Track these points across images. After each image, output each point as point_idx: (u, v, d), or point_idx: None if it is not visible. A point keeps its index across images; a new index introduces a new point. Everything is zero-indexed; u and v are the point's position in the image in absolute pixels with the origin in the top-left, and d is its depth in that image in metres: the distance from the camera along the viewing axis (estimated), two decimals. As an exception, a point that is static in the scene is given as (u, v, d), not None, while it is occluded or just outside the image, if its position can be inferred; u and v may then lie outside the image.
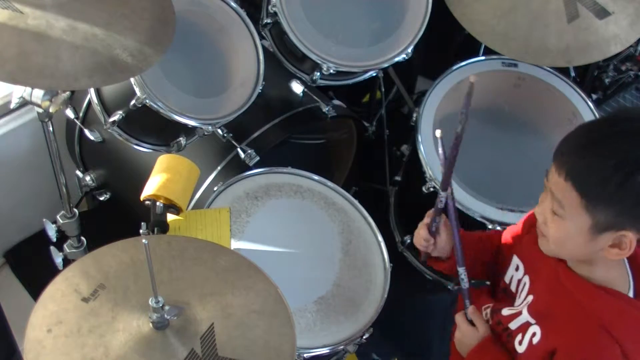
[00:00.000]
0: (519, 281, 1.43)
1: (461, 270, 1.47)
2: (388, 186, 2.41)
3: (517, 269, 1.44)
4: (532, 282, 1.40)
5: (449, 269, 1.54)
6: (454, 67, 2.06)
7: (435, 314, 1.69)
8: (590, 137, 1.19)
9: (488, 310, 1.48)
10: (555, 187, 1.21)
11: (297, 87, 1.98)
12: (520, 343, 1.36)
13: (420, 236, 1.50)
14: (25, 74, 1.27)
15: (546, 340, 1.31)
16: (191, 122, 1.70)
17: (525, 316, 1.36)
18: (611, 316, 1.24)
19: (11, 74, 1.26)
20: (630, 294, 1.27)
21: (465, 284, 1.47)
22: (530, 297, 1.38)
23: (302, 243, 1.68)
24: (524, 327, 1.36)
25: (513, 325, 1.39)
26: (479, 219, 1.86)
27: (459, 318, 1.48)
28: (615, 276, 1.27)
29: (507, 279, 1.46)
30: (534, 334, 1.34)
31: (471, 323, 1.45)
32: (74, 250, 1.86)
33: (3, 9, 1.30)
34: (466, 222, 1.88)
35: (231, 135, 1.83)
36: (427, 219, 1.49)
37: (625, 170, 1.12)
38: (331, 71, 1.91)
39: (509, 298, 1.45)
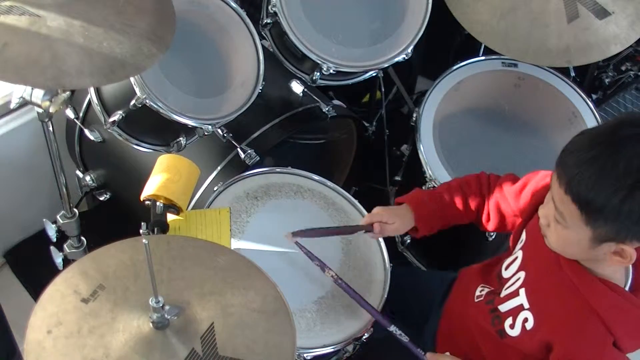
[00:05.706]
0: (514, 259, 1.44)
1: (392, 329, 1.48)
2: (388, 186, 2.41)
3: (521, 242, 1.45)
4: (526, 259, 1.40)
5: (424, 233, 1.60)
6: (454, 67, 2.06)
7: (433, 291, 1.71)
8: (590, 152, 1.14)
9: (485, 291, 1.48)
10: (557, 197, 1.20)
11: (297, 87, 1.97)
12: (512, 327, 1.37)
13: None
14: (25, 73, 1.27)
15: (540, 329, 1.32)
16: (191, 122, 1.70)
17: (521, 297, 1.36)
18: (607, 308, 1.25)
19: (11, 73, 1.26)
20: (627, 288, 1.28)
21: (404, 338, 1.48)
22: (522, 274, 1.39)
23: (302, 243, 1.68)
24: (516, 311, 1.36)
25: (503, 307, 1.39)
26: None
27: None
28: (614, 269, 1.27)
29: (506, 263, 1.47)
30: (526, 319, 1.34)
31: None
32: (74, 250, 1.86)
33: (1, 9, 1.30)
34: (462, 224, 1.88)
35: (231, 135, 1.83)
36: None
37: (625, 189, 1.10)
38: (331, 71, 1.91)
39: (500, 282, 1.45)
